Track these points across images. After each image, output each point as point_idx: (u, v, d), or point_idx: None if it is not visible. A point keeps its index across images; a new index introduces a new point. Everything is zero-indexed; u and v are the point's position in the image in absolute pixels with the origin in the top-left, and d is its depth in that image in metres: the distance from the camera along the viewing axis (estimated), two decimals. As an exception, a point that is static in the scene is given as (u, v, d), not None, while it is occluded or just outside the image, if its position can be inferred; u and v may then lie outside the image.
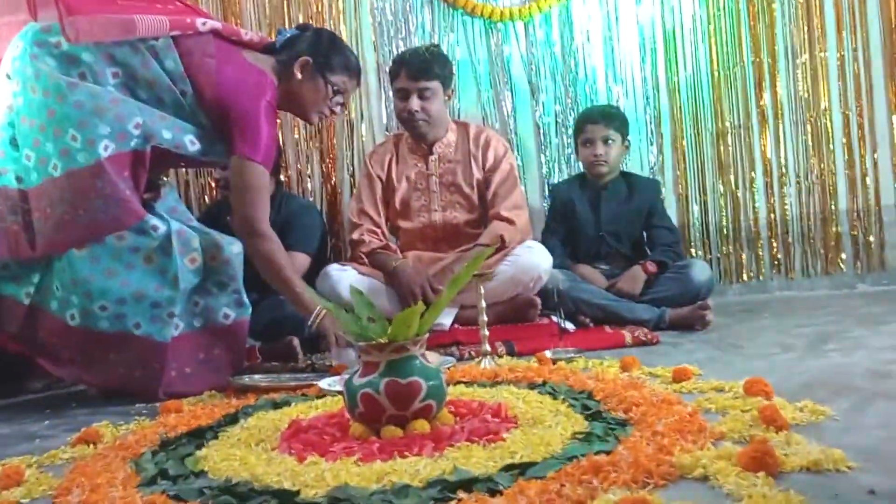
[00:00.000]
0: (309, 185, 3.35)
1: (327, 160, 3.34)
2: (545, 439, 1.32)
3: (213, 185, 3.28)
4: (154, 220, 2.06)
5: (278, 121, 3.08)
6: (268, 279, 2.22)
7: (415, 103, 2.75)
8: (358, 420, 1.46)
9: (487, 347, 2.15)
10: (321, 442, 1.41)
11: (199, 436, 1.59)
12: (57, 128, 1.98)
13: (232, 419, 1.71)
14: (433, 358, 2.16)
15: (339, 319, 1.55)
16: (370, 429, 1.44)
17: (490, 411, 1.54)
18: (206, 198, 3.30)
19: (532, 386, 1.80)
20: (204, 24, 2.14)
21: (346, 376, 1.99)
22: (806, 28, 3.33)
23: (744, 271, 3.39)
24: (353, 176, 3.33)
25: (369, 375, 1.44)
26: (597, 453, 1.22)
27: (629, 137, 3.03)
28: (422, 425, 1.42)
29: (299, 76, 2.25)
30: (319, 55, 2.27)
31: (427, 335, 1.50)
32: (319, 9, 3.31)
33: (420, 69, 2.75)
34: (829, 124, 3.35)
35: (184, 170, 3.23)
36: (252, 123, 2.12)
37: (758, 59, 3.35)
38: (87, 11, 1.96)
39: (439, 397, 1.46)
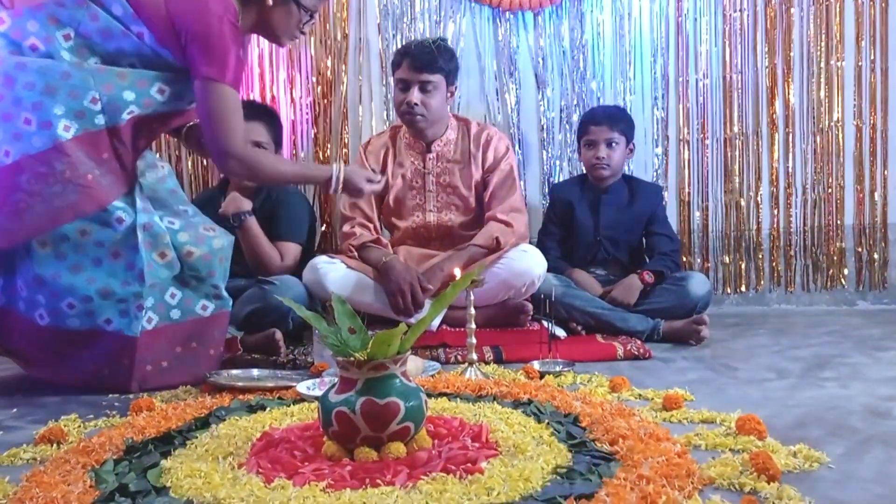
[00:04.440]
0: (303, 169, 3.26)
1: (322, 144, 3.25)
2: (524, 473, 1.26)
3: (205, 166, 3.21)
4: (119, 212, 1.97)
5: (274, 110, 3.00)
6: (269, 182, 2.29)
7: (415, 95, 2.65)
8: (332, 438, 1.40)
9: (474, 356, 2.08)
10: (291, 461, 1.35)
11: (166, 441, 1.53)
12: (6, 112, 1.88)
13: (203, 423, 1.65)
14: (418, 363, 2.10)
15: (319, 329, 1.48)
16: (344, 448, 1.38)
17: (470, 434, 1.48)
18: (199, 179, 3.22)
19: (517, 404, 1.74)
20: None
21: (326, 378, 1.97)
22: (824, 35, 3.23)
23: (742, 282, 3.32)
24: (347, 162, 3.24)
25: (346, 392, 1.38)
26: (577, 498, 1.16)
27: (634, 141, 2.94)
28: (397, 448, 1.36)
29: (270, 2, 2.09)
30: None
31: (409, 353, 1.43)
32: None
33: (424, 61, 2.64)
34: (840, 136, 3.26)
35: (175, 152, 3.16)
36: (215, 42, 1.97)
37: (771, 65, 3.25)
38: None
39: (418, 419, 1.40)
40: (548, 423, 1.56)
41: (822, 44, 3.23)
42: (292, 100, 3.21)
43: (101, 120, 1.94)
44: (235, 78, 2.01)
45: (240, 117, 2.04)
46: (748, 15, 3.24)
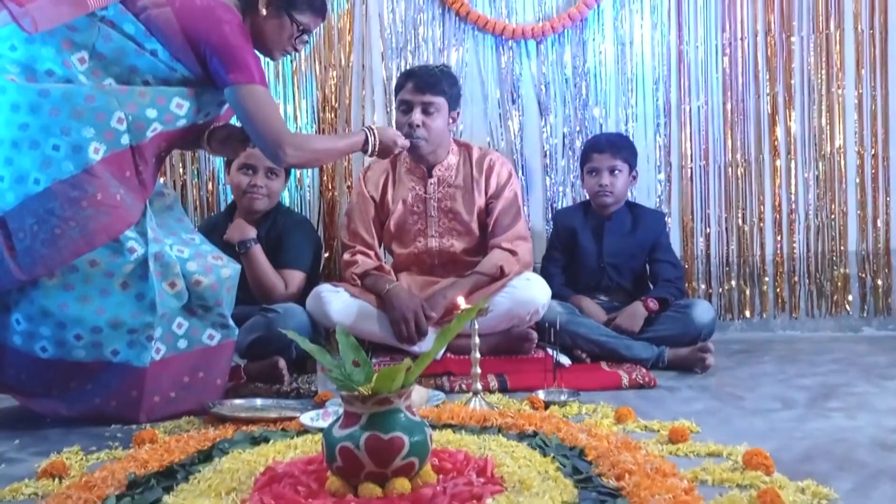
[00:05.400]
0: (307, 195, 3.28)
1: (326, 171, 3.26)
2: (530, 511, 1.25)
3: (210, 192, 3.22)
4: (132, 242, 1.97)
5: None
6: (326, 160, 2.54)
7: (417, 117, 2.65)
8: (336, 474, 1.39)
9: (479, 386, 2.07)
10: (295, 497, 1.34)
11: (169, 476, 1.52)
12: (34, 140, 1.88)
13: (206, 456, 1.64)
14: (422, 393, 2.09)
15: (323, 362, 1.47)
16: (348, 484, 1.37)
17: (475, 468, 1.47)
18: (204, 205, 3.23)
19: (522, 436, 1.73)
20: None
21: (330, 409, 1.97)
22: (825, 63, 3.24)
23: (747, 308, 3.31)
24: (350, 188, 3.25)
25: (350, 427, 1.37)
26: (584, 538, 1.15)
27: (637, 169, 2.95)
28: (402, 484, 1.35)
29: (264, 12, 2.12)
30: None
31: (413, 387, 1.43)
32: (327, 15, 3.22)
33: (427, 83, 2.67)
34: (842, 163, 3.26)
35: (180, 177, 3.18)
36: (234, 49, 2.02)
37: (773, 93, 3.26)
38: None
39: (422, 454, 1.39)
40: (553, 457, 1.55)
41: (823, 72, 3.24)
42: (297, 127, 3.23)
43: (126, 139, 1.96)
44: (261, 75, 2.06)
45: (278, 111, 2.15)
46: (749, 43, 3.26)
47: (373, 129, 2.28)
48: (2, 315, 1.95)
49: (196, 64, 2.04)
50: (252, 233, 2.66)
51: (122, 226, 1.95)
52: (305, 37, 2.22)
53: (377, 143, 2.27)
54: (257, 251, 2.63)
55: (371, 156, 2.31)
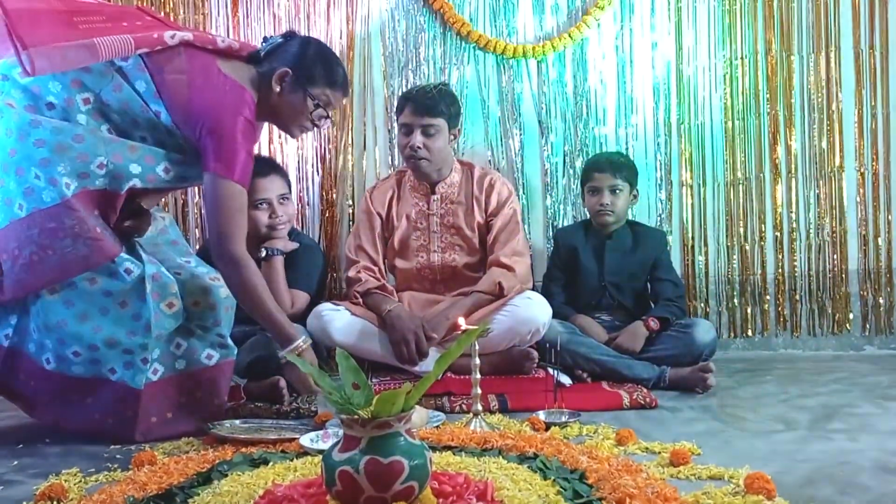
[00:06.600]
0: (308, 213, 3.29)
1: (327, 189, 3.27)
2: (531, 536, 1.24)
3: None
4: (127, 263, 1.98)
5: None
6: (244, 305, 2.09)
7: (418, 139, 2.69)
8: (335, 498, 1.38)
9: (479, 407, 2.06)
10: (294, 522, 1.33)
11: (168, 499, 1.51)
12: (19, 167, 1.90)
13: (205, 479, 1.63)
14: (422, 414, 2.08)
15: (322, 385, 1.47)
16: (347, 509, 1.36)
17: (475, 492, 1.46)
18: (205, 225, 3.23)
19: (522, 458, 1.72)
20: (173, 36, 1.99)
21: (330, 430, 1.96)
22: (825, 82, 3.25)
23: (748, 326, 3.30)
24: (352, 207, 3.26)
25: (350, 451, 1.36)
26: (584, 565, 1.14)
27: (638, 188, 2.95)
28: (401, 509, 1.34)
29: (277, 88, 2.10)
30: (302, 67, 2.11)
31: (413, 410, 1.42)
32: (329, 34, 3.24)
33: (426, 106, 2.70)
34: (843, 181, 3.26)
35: (181, 196, 3.19)
36: (227, 140, 1.99)
37: (773, 111, 3.27)
38: (44, 41, 1.81)
39: (422, 478, 1.38)
40: (554, 480, 1.54)
41: (823, 91, 3.25)
42: (298, 146, 3.25)
43: (101, 182, 1.95)
44: (242, 174, 2.02)
45: (243, 216, 2.06)
46: (749, 62, 3.27)
47: (305, 348, 2.09)
48: (23, 319, 2.00)
49: (193, 136, 2.02)
50: (281, 245, 2.73)
51: (101, 258, 1.94)
52: (323, 111, 2.15)
53: (296, 352, 2.06)
54: (279, 261, 2.68)
55: (280, 358, 2.11)
